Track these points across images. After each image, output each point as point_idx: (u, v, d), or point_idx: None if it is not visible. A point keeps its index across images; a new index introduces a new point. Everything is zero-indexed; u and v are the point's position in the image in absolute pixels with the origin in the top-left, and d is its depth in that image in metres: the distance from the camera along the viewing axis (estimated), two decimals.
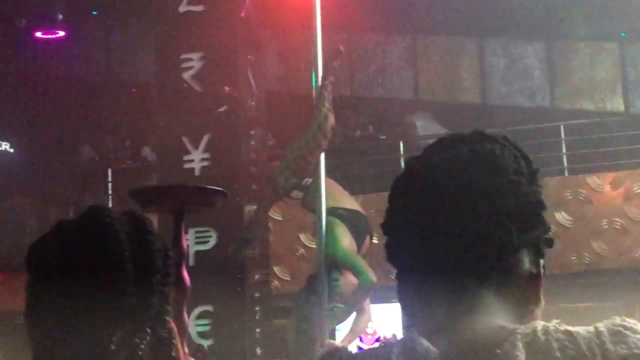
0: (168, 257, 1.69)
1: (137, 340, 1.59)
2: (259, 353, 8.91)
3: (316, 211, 6.35)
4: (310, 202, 6.83)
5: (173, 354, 1.63)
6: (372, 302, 7.44)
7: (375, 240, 7.51)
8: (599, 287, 9.98)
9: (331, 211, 6.48)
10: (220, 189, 3.38)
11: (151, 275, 1.63)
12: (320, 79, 6.49)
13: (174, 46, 9.16)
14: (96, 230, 1.62)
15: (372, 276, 6.66)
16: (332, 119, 6.45)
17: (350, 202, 7.09)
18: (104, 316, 1.57)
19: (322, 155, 6.41)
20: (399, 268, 1.30)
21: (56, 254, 1.63)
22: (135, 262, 1.60)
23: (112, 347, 1.57)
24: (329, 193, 6.55)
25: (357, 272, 6.69)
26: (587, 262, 9.79)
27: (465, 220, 1.22)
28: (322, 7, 6.81)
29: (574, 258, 9.72)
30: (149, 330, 1.61)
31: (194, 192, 3.52)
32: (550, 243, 1.30)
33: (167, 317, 1.65)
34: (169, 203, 3.15)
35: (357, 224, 6.87)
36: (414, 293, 1.27)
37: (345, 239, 6.65)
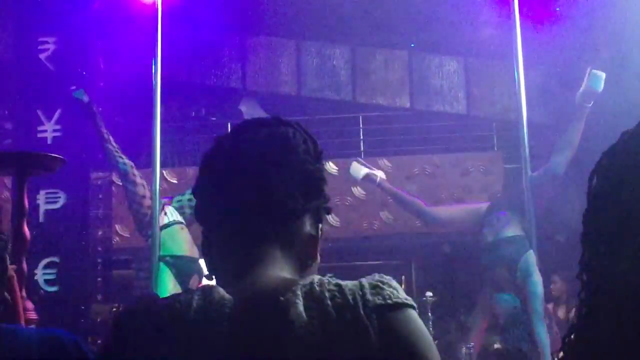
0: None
1: None
2: (99, 298, 8.70)
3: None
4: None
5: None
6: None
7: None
8: (385, 249, 10.33)
9: (160, 258, 6.44)
10: (58, 155, 3.21)
11: None
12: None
13: (32, 30, 8.78)
14: None
15: None
16: (140, 181, 6.91)
17: (179, 248, 6.92)
18: None
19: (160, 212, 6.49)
20: (204, 226, 1.31)
21: None
22: None
23: None
24: (163, 242, 6.52)
25: None
26: (375, 227, 10.09)
27: (260, 188, 1.24)
28: (164, 5, 6.69)
29: (365, 224, 10.00)
30: None
31: (34, 158, 3.31)
32: (328, 210, 1.33)
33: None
34: (14, 167, 2.99)
35: (182, 269, 6.78)
36: (215, 247, 1.28)
37: (170, 284, 6.60)
